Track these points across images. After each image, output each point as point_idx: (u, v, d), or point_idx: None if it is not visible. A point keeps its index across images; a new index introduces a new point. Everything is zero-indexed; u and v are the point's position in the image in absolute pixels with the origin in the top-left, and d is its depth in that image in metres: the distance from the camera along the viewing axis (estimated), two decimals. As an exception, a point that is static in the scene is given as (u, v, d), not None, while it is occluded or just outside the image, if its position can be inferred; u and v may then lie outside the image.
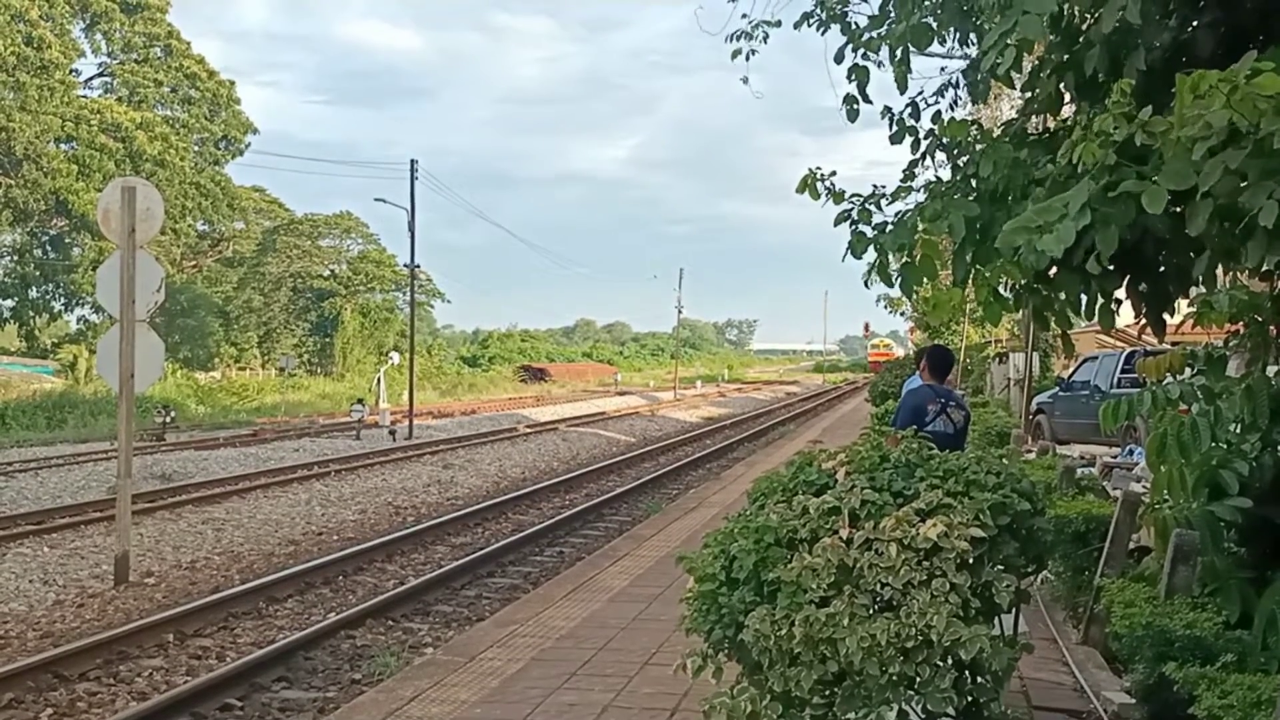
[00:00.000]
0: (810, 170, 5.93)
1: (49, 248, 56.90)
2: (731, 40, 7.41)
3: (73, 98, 52.65)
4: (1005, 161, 5.45)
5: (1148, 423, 6.35)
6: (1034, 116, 6.38)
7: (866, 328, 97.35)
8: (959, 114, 6.88)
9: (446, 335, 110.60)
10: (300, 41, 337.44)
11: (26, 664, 8.76)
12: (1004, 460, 4.49)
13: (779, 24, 7.38)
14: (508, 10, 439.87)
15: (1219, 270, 5.02)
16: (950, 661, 3.77)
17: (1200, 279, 4.80)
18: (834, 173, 6.00)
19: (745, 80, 7.80)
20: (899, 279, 6.02)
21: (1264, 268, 4.54)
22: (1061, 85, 5.55)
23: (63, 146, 52.37)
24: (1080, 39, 5.30)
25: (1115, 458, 13.86)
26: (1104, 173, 4.08)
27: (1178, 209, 4.02)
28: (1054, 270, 4.73)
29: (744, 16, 7.45)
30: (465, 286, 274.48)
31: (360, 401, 35.05)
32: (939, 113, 6.67)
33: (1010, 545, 4.17)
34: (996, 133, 6.29)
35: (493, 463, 25.97)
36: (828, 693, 3.87)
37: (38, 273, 56.15)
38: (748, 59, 7.48)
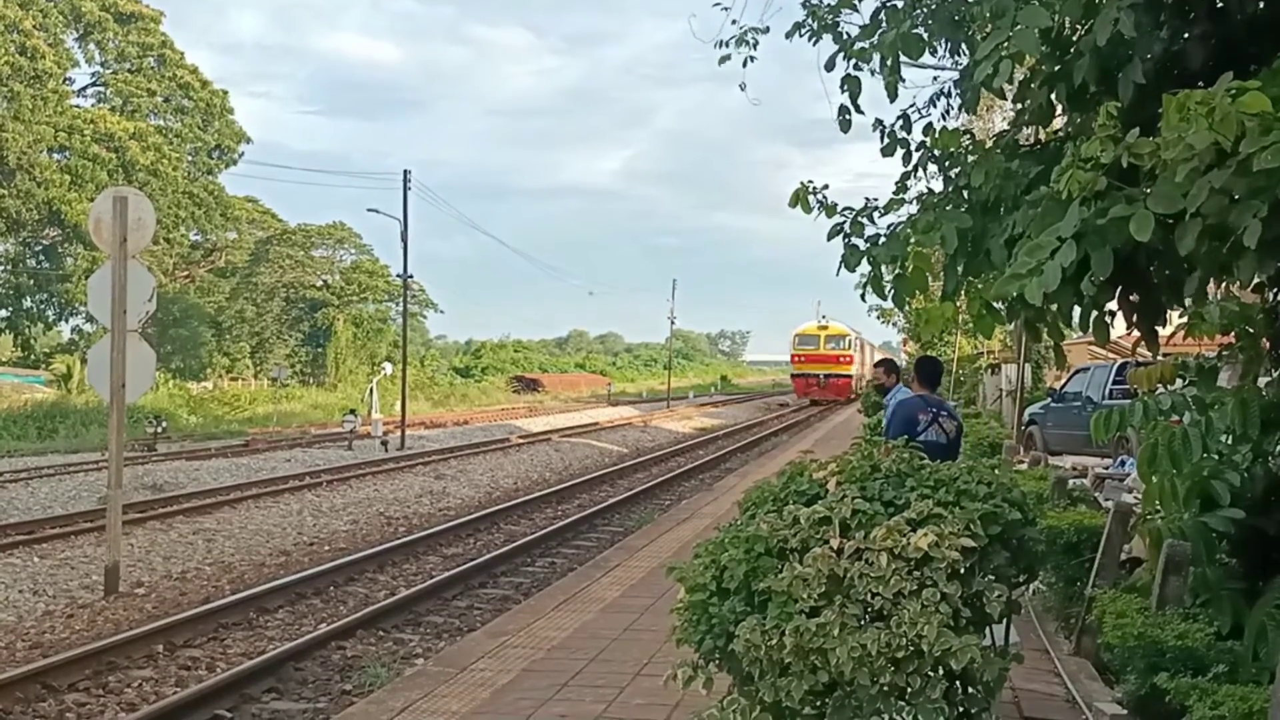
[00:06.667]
0: (802, 184, 5.95)
1: (42, 258, 56.80)
2: (721, 46, 7.37)
3: (66, 107, 52.68)
4: (996, 172, 5.46)
5: (1139, 434, 6.36)
6: (1025, 128, 6.38)
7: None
8: (950, 124, 6.88)
9: (439, 346, 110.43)
10: (293, 53, 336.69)
11: (15, 675, 8.70)
12: (995, 470, 4.48)
13: (768, 30, 7.37)
14: (484, 23, 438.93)
15: (1211, 282, 5.02)
16: (941, 672, 3.76)
17: (1191, 297, 4.80)
18: (826, 186, 6.01)
19: (743, 86, 7.76)
20: (891, 291, 6.02)
21: (1255, 279, 4.55)
22: (1053, 96, 5.55)
23: (56, 156, 52.33)
24: (1071, 50, 5.30)
25: (1107, 469, 13.84)
26: (1094, 198, 4.06)
27: (1169, 219, 4.01)
28: None
29: (734, 22, 7.43)
30: (458, 297, 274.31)
31: (353, 412, 34.97)
32: (930, 125, 6.67)
33: (1001, 555, 4.17)
34: (988, 144, 6.30)
35: (485, 473, 25.92)
36: (818, 703, 3.86)
37: (31, 282, 56.08)
38: (745, 65, 7.43)
